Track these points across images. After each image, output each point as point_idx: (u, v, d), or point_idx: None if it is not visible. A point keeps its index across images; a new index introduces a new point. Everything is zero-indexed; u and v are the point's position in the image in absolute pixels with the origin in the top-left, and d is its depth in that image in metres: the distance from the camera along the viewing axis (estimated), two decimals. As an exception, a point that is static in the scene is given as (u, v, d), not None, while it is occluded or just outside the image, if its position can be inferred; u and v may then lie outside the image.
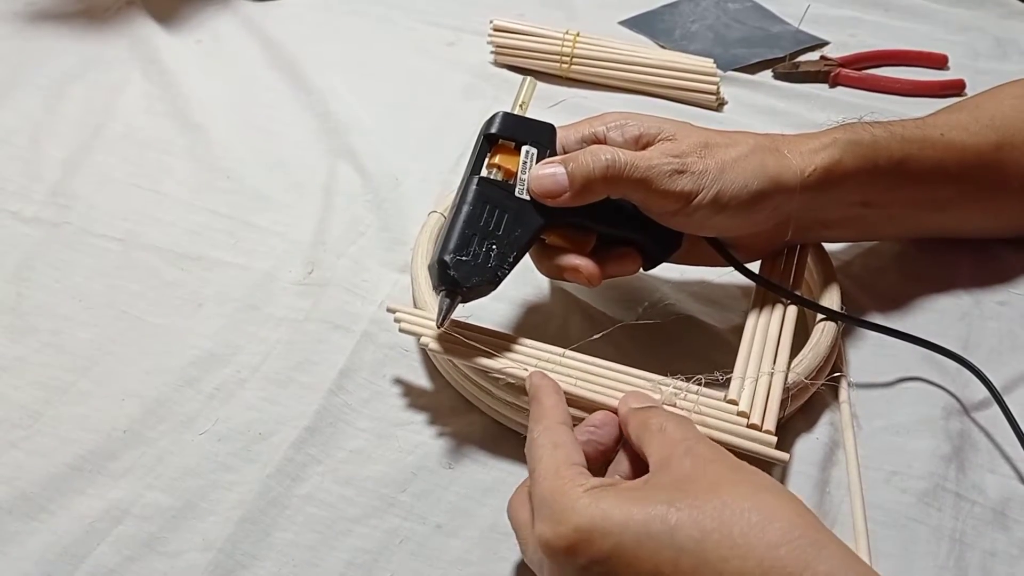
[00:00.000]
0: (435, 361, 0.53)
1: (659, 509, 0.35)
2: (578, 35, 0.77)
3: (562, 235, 0.49)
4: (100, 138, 0.71)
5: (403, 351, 0.54)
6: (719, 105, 0.75)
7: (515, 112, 0.52)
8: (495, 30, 0.79)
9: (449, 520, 0.46)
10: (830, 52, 0.81)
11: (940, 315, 0.56)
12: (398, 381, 0.52)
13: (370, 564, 0.44)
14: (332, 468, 0.48)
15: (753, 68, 0.79)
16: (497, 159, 0.48)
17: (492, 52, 0.80)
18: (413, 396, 0.52)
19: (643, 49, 0.78)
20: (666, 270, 0.59)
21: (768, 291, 0.51)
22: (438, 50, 0.82)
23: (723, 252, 0.51)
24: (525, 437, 0.48)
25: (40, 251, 0.61)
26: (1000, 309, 0.56)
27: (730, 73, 0.78)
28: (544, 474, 0.38)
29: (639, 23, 0.86)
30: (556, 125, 0.50)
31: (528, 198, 0.47)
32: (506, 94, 0.76)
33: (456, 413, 0.51)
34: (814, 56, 0.81)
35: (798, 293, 0.52)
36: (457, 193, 0.48)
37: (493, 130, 0.49)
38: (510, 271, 0.46)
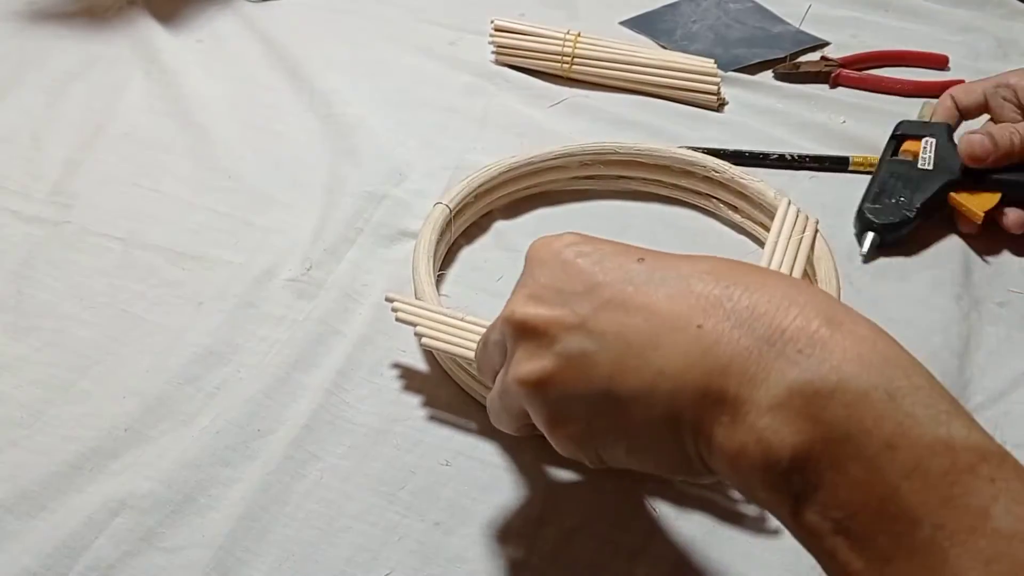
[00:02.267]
0: (435, 355, 0.53)
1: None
2: (579, 35, 0.77)
3: (968, 195, 0.61)
4: (101, 137, 0.71)
5: (401, 351, 0.54)
6: (720, 105, 0.75)
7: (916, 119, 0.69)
8: (496, 30, 0.80)
9: (447, 517, 0.46)
10: (831, 52, 0.81)
11: (941, 314, 0.56)
12: (397, 379, 0.52)
13: (369, 561, 0.44)
14: (331, 465, 0.48)
15: (754, 68, 0.79)
16: (905, 145, 0.65)
17: (493, 52, 0.80)
18: (411, 394, 0.52)
19: (644, 49, 0.78)
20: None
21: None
22: (439, 49, 0.82)
23: None
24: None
25: (41, 250, 0.61)
26: (1000, 310, 0.56)
27: (731, 73, 0.78)
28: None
29: (640, 23, 0.86)
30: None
31: (931, 167, 0.62)
32: (507, 93, 0.76)
33: (454, 410, 0.51)
34: (815, 56, 0.81)
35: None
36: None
37: (898, 132, 0.66)
38: (914, 213, 0.60)
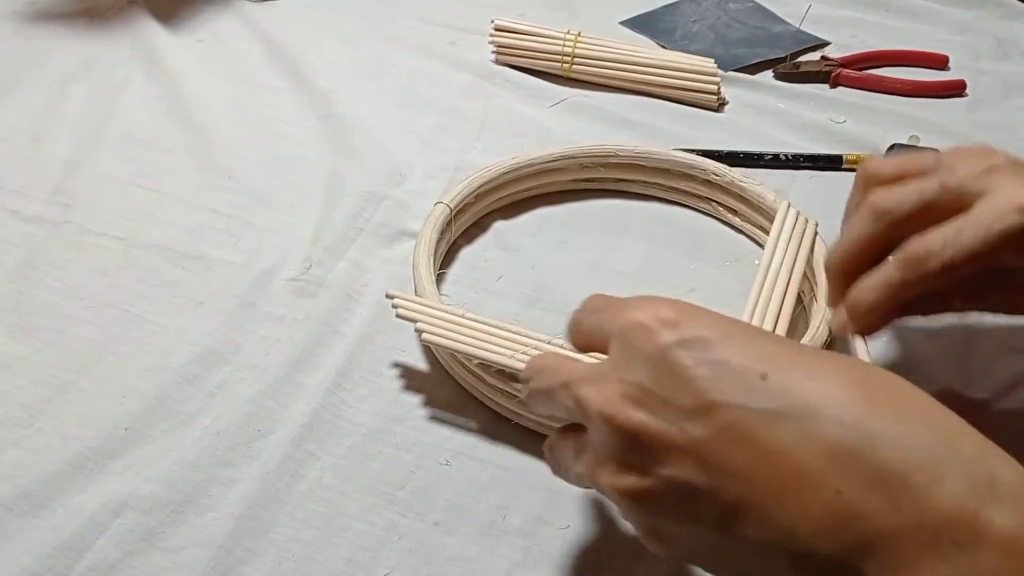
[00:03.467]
0: (435, 351, 0.53)
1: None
2: (579, 35, 0.77)
3: None
4: (101, 137, 0.71)
5: (401, 351, 0.54)
6: (720, 105, 0.75)
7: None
8: (496, 30, 0.80)
9: (447, 517, 0.46)
10: (831, 52, 0.81)
11: (941, 314, 0.56)
12: (396, 379, 0.52)
13: (369, 561, 0.44)
14: (331, 465, 0.48)
15: (754, 68, 0.79)
16: None
17: (493, 52, 0.80)
18: (411, 394, 0.52)
19: (644, 49, 0.78)
20: (666, 271, 0.59)
21: (763, 289, 0.52)
22: (439, 49, 0.82)
23: None
24: (523, 429, 0.49)
25: (41, 250, 0.61)
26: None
27: (731, 73, 0.78)
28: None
29: (640, 23, 0.86)
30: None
31: None
32: (507, 93, 0.76)
33: (454, 410, 0.51)
34: (815, 56, 0.81)
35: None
36: None
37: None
38: None
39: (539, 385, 0.36)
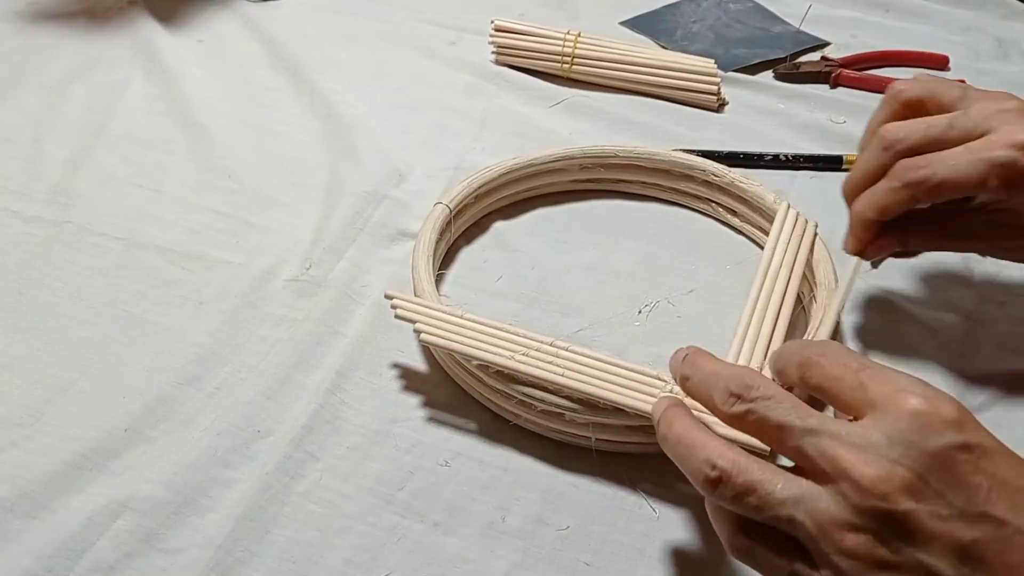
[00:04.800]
0: (434, 352, 0.53)
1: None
2: (579, 35, 0.77)
3: None
4: (101, 138, 0.71)
5: (400, 351, 0.54)
6: (720, 105, 0.75)
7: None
8: (496, 30, 0.80)
9: (446, 518, 0.46)
10: (831, 53, 0.81)
11: (941, 314, 0.56)
12: (396, 379, 0.52)
13: (368, 562, 0.44)
14: (330, 466, 0.48)
15: (754, 68, 0.79)
16: None
17: (493, 52, 0.80)
18: (410, 394, 0.52)
19: (644, 49, 0.78)
20: (666, 271, 0.59)
21: (763, 289, 0.52)
22: (439, 50, 0.82)
23: None
24: (523, 430, 0.49)
25: (41, 250, 0.61)
26: (1000, 310, 0.56)
27: (731, 73, 0.78)
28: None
29: (640, 23, 0.86)
30: None
31: None
32: (507, 93, 0.76)
33: (453, 411, 0.51)
34: (815, 57, 0.81)
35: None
36: None
37: None
38: None
39: (766, 412, 0.35)
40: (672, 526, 0.45)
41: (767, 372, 0.40)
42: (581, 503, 0.46)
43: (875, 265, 0.56)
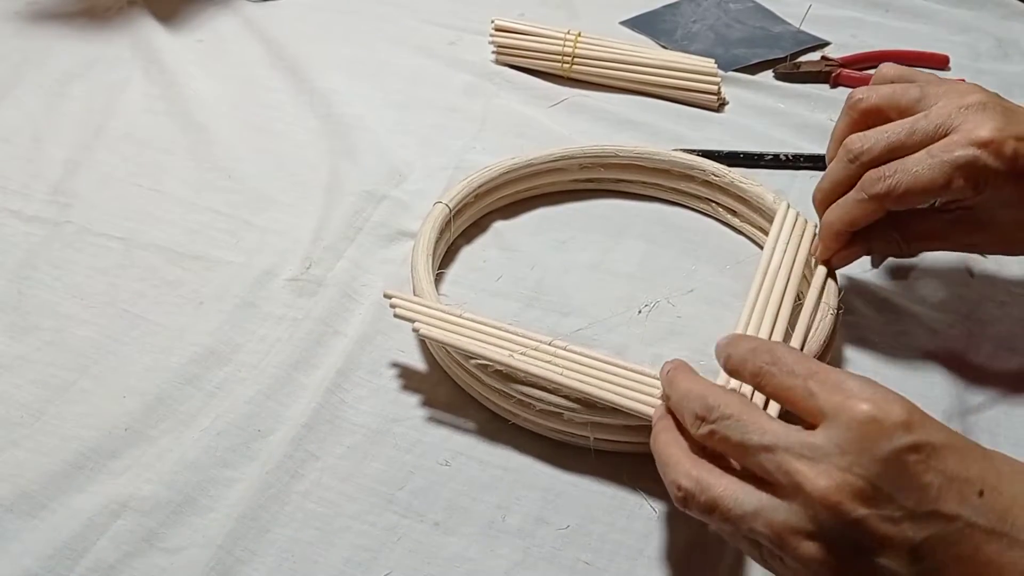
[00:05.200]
0: (433, 352, 0.53)
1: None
2: (579, 35, 0.77)
3: None
4: (101, 137, 0.71)
5: (400, 351, 0.54)
6: (720, 105, 0.75)
7: None
8: (496, 30, 0.80)
9: (446, 517, 0.46)
10: (831, 52, 0.81)
11: (941, 314, 0.56)
12: (396, 379, 0.52)
13: (368, 561, 0.44)
14: (330, 465, 0.48)
15: (754, 68, 0.79)
16: None
17: (493, 52, 0.80)
18: (410, 394, 0.52)
19: (644, 49, 0.78)
20: (666, 271, 0.59)
21: (762, 289, 0.52)
22: (439, 49, 0.82)
23: None
24: (522, 430, 0.49)
25: (41, 250, 0.61)
26: (1000, 310, 0.56)
27: (731, 73, 0.78)
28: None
29: (640, 23, 0.86)
30: None
31: None
32: (507, 93, 0.76)
33: (453, 410, 0.51)
34: (815, 56, 0.81)
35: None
36: None
37: None
38: None
39: (726, 432, 0.36)
40: (672, 526, 0.45)
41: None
42: (581, 502, 0.46)
43: (875, 265, 0.56)
